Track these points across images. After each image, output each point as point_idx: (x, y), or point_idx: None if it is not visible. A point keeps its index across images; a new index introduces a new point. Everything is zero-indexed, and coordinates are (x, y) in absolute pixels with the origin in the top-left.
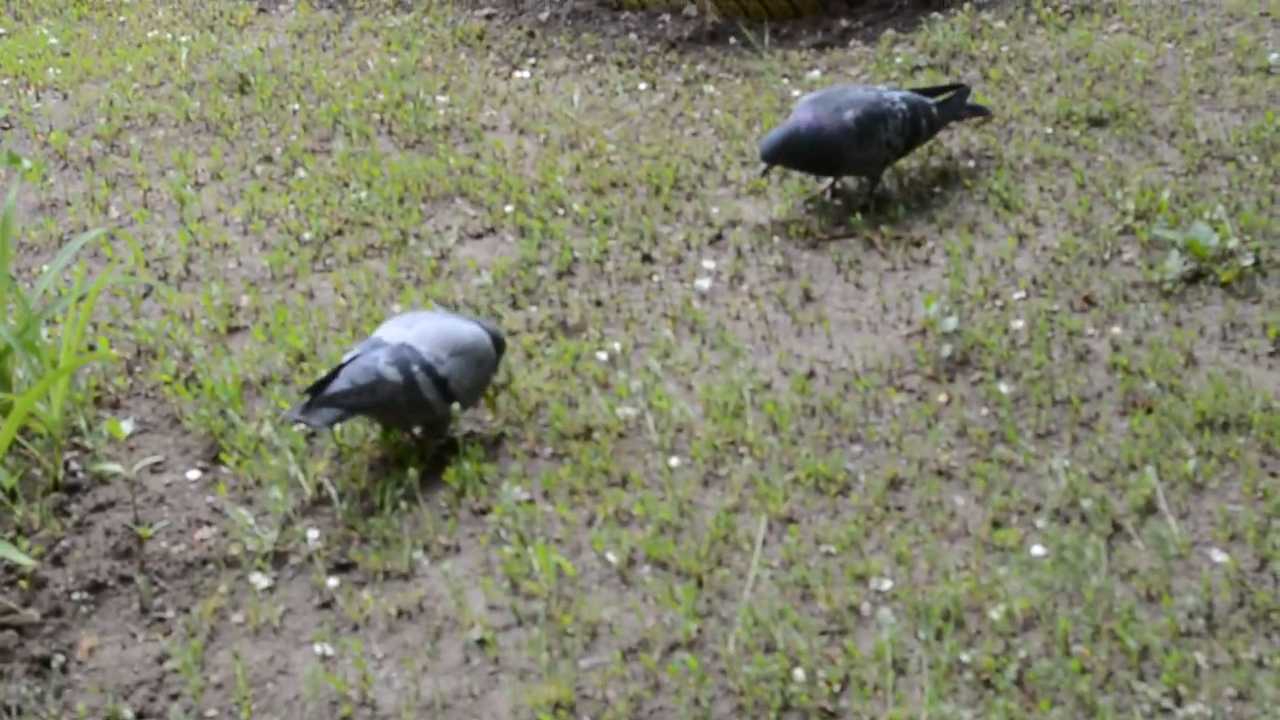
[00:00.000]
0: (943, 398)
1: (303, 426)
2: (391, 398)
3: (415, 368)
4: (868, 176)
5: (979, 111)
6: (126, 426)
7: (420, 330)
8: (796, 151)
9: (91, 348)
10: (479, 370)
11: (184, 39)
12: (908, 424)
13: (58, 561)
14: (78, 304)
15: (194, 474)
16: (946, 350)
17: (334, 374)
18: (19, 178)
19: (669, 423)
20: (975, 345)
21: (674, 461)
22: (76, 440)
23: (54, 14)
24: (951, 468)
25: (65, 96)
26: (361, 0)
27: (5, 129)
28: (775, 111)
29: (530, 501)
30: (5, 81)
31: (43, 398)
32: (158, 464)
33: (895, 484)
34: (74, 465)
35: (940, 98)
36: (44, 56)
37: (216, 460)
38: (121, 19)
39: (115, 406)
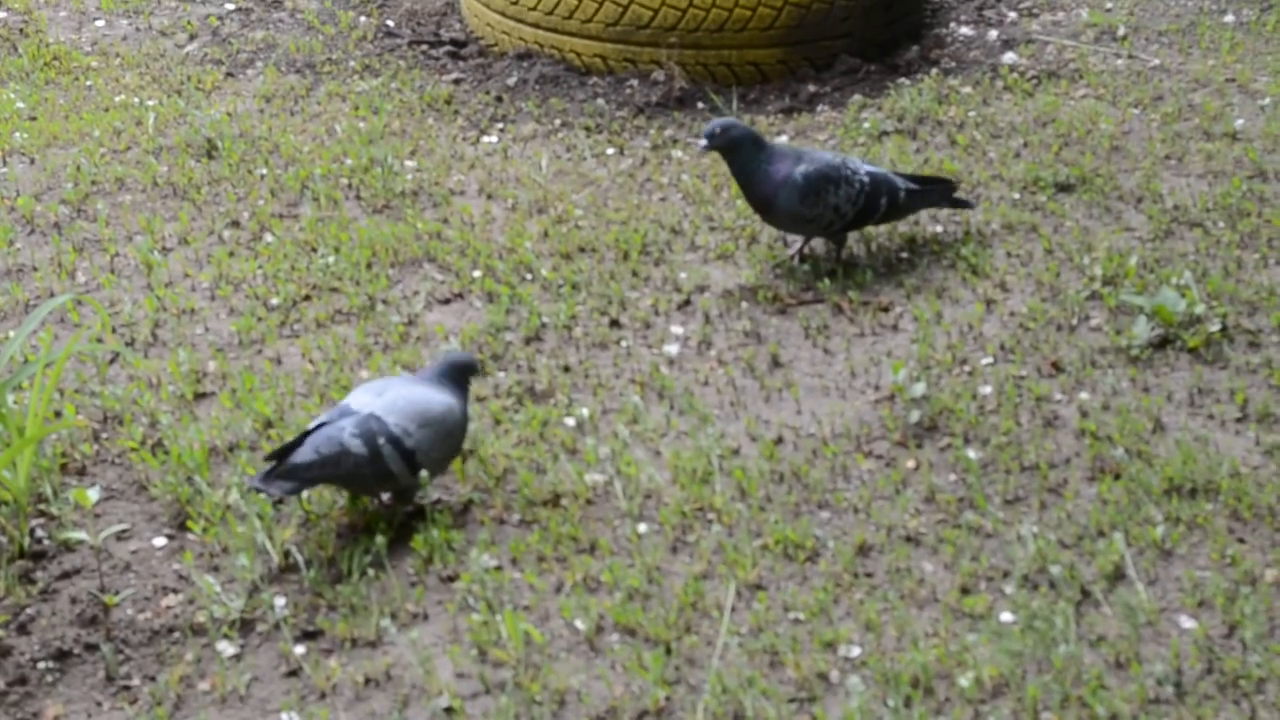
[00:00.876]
0: (911, 463)
1: (265, 495)
2: (355, 469)
3: (381, 440)
4: (830, 240)
5: (962, 205)
6: (93, 494)
7: (389, 399)
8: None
9: (58, 414)
10: (448, 441)
11: (151, 104)
12: (876, 490)
13: (23, 629)
14: (45, 371)
15: (160, 541)
16: (915, 416)
17: (299, 441)
18: None
19: (637, 489)
20: (943, 411)
21: (642, 528)
22: (42, 507)
23: (20, 78)
24: (920, 534)
25: (32, 161)
26: (329, 65)
27: None
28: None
29: (498, 568)
30: None
31: (9, 465)
32: (124, 531)
33: (864, 550)
34: (39, 532)
35: (919, 186)
36: (10, 121)
37: (183, 527)
38: (89, 84)
39: (81, 473)
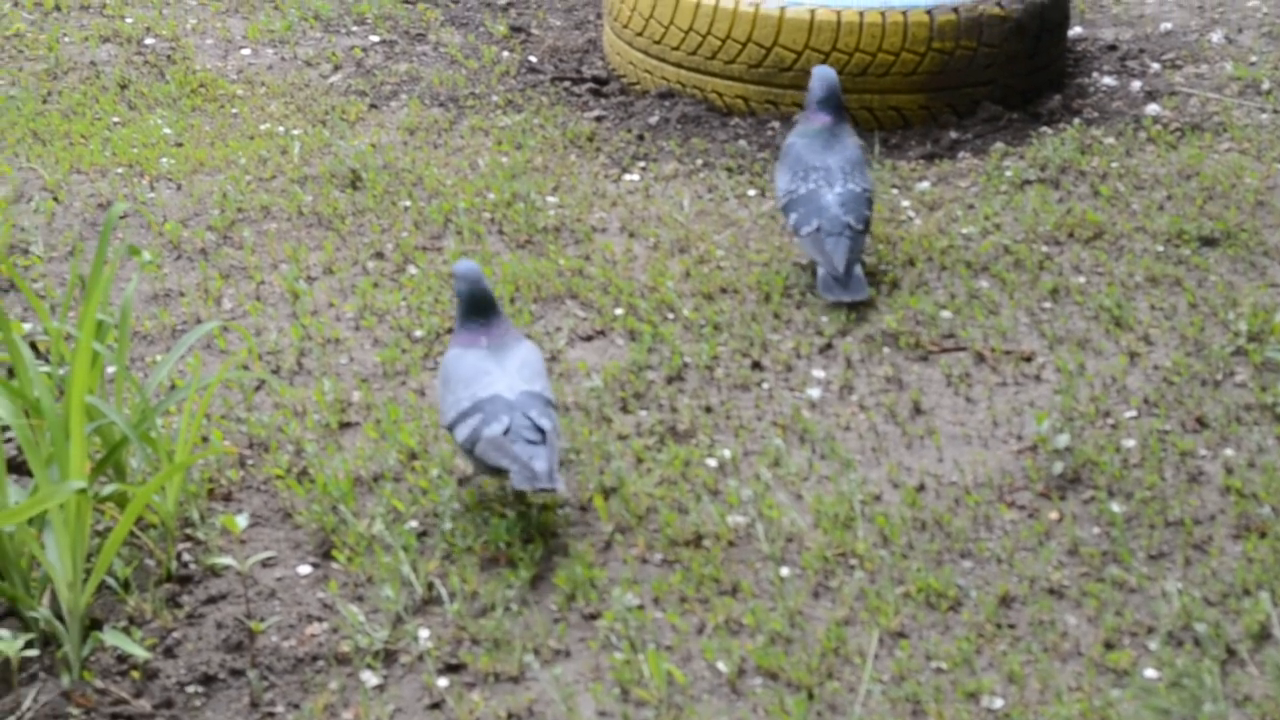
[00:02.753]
0: (1054, 515)
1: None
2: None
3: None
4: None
5: None
6: (242, 521)
7: (522, 369)
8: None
9: (205, 439)
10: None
11: (296, 133)
12: (1019, 541)
13: (169, 653)
14: (195, 396)
15: (305, 569)
16: (1058, 467)
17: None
18: (138, 269)
19: (779, 532)
20: (1087, 463)
21: (784, 571)
22: (189, 532)
23: (168, 104)
24: (1063, 586)
25: (179, 187)
26: (472, 100)
27: (120, 217)
28: (884, 221)
29: (641, 607)
30: (119, 170)
31: (158, 490)
32: (269, 558)
33: (1007, 601)
34: (186, 556)
35: None
36: (158, 146)
37: (328, 556)
38: (234, 111)
39: (228, 499)
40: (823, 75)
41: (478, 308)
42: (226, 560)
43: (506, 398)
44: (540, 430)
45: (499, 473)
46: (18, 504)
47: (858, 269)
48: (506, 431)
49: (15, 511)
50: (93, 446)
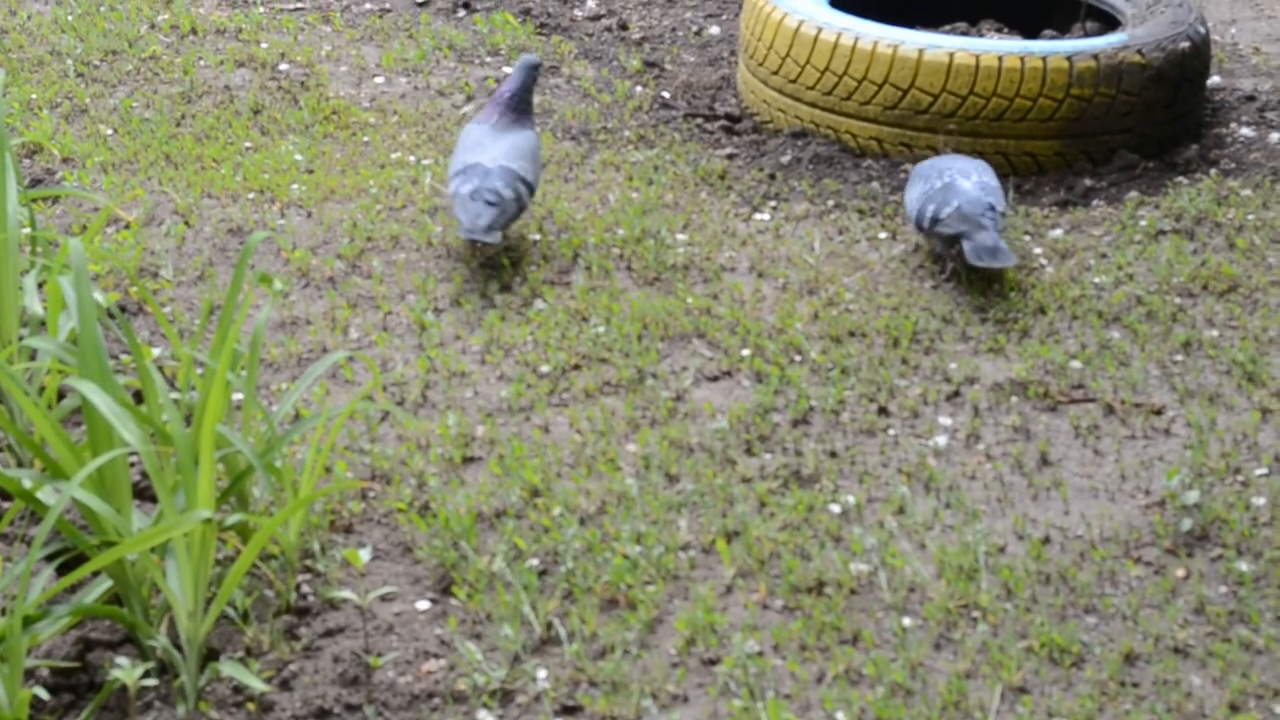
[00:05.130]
0: (1181, 572)
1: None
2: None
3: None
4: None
5: None
6: (365, 555)
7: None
8: None
9: (328, 470)
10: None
11: (427, 162)
12: (1144, 597)
13: (285, 685)
14: (322, 428)
15: (424, 604)
16: (1186, 524)
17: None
18: (270, 298)
19: (902, 581)
20: (1215, 520)
21: (906, 621)
22: (309, 563)
23: (300, 131)
24: (1189, 646)
25: (309, 214)
26: (604, 134)
27: None
28: (1017, 269)
29: (760, 654)
30: (251, 195)
31: (282, 523)
32: (388, 593)
33: (1131, 659)
34: (305, 588)
35: None
36: (289, 173)
37: (447, 592)
38: (365, 139)
39: (348, 531)
40: (523, 62)
41: (517, 94)
42: (346, 594)
43: (486, 166)
44: (499, 196)
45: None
46: (142, 530)
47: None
48: (473, 192)
49: (141, 538)
50: (217, 474)
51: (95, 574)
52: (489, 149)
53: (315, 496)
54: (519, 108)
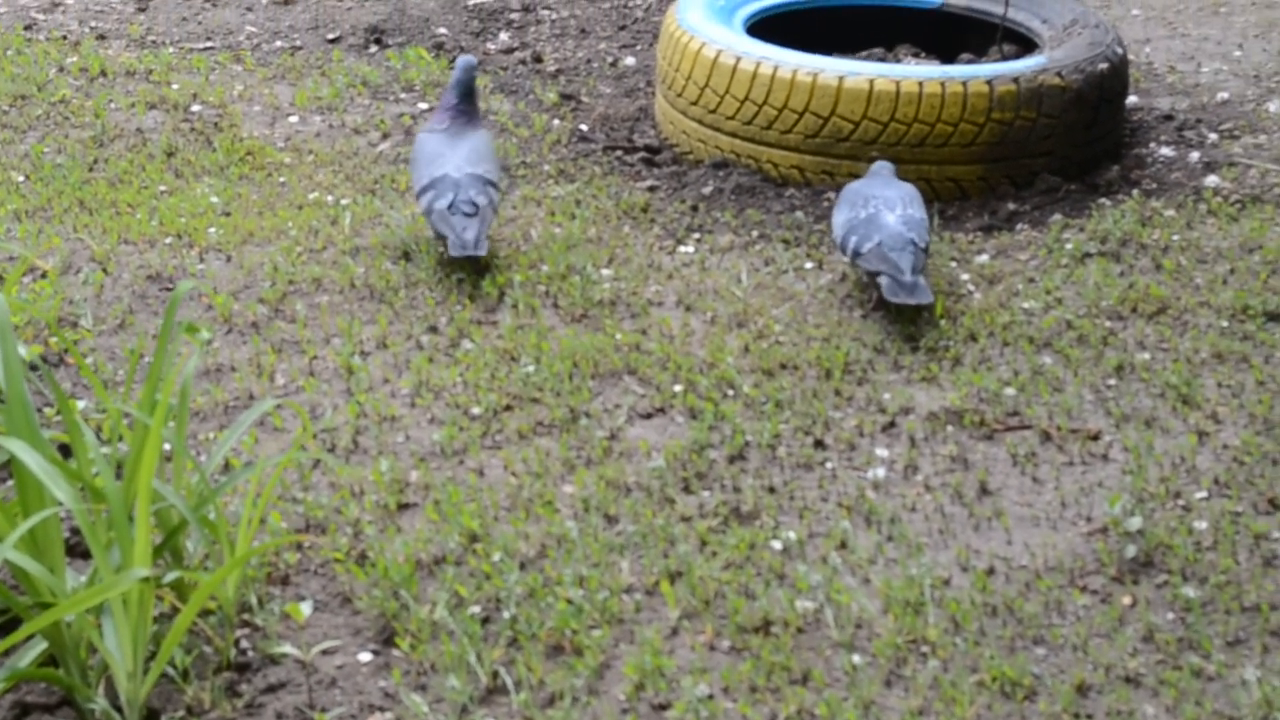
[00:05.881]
0: (1127, 600)
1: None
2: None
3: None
4: None
5: None
6: (306, 609)
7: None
8: None
9: (263, 521)
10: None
11: (346, 202)
12: (1093, 627)
13: None
14: (258, 484)
15: (366, 656)
16: (1130, 550)
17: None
18: (197, 350)
19: (849, 618)
20: (1159, 546)
21: (856, 659)
22: (246, 617)
23: (215, 173)
24: (1140, 675)
25: (229, 258)
26: (524, 169)
27: (169, 289)
28: (944, 294)
29: (711, 697)
30: (168, 240)
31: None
32: (330, 645)
33: (1083, 690)
34: (244, 643)
35: None
36: (205, 216)
37: (389, 642)
38: (282, 180)
39: (285, 582)
40: (461, 63)
41: (463, 96)
42: (286, 648)
43: (454, 177)
44: (475, 205)
45: (443, 238)
46: (77, 590)
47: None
48: (450, 206)
49: (78, 599)
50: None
51: (29, 635)
52: (450, 158)
53: (253, 553)
54: (467, 110)
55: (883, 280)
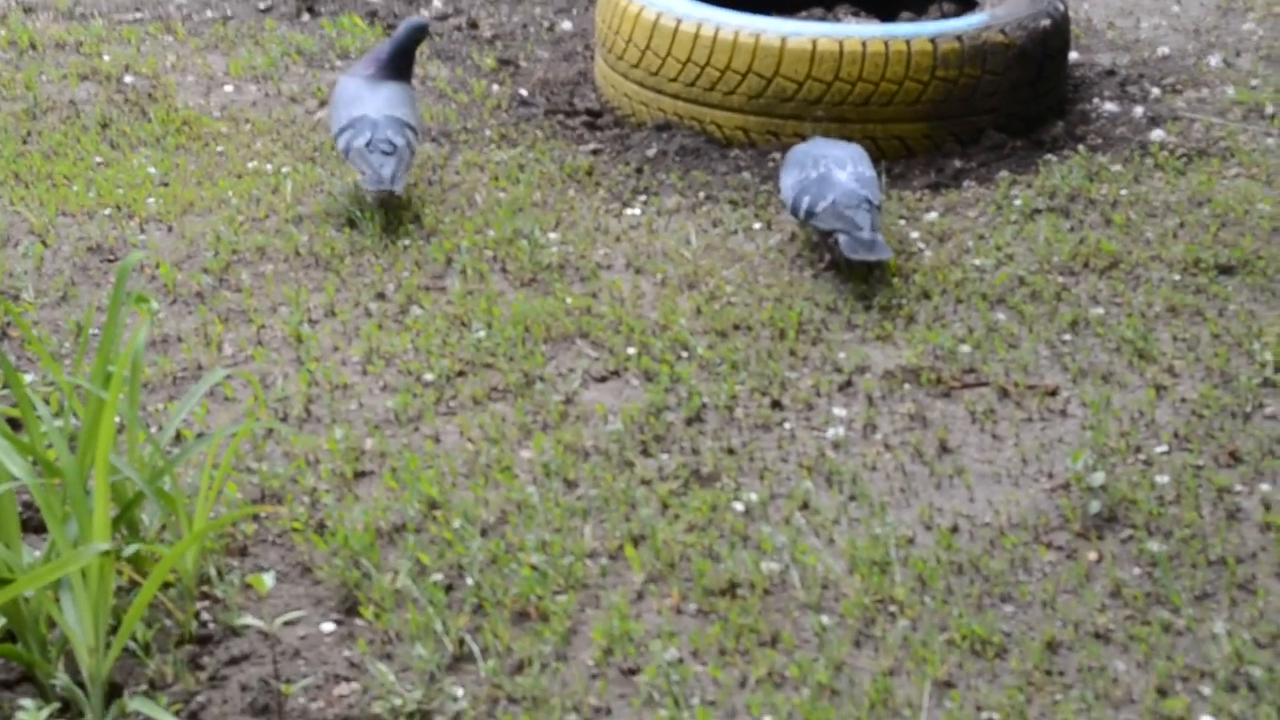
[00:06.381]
0: (1093, 555)
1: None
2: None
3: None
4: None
5: None
6: (268, 580)
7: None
8: None
9: (219, 493)
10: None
11: (286, 170)
12: (1060, 583)
13: (194, 718)
14: (213, 456)
15: (329, 626)
16: (1094, 506)
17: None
18: (146, 321)
19: (815, 579)
20: (1122, 501)
21: (824, 620)
22: (205, 589)
23: (151, 144)
24: (1109, 630)
25: (170, 229)
26: (465, 134)
27: (110, 260)
28: (894, 253)
29: (680, 661)
30: (106, 212)
31: (173, 547)
32: (294, 617)
33: (1053, 647)
34: (205, 615)
35: None
36: (144, 187)
37: (352, 612)
38: (220, 149)
39: (243, 554)
40: (407, 23)
41: (396, 54)
42: (253, 620)
43: (373, 117)
44: (393, 144)
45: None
46: (32, 564)
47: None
48: (368, 144)
49: (37, 575)
50: None
51: None
52: (369, 100)
53: (212, 527)
54: (398, 66)
55: (840, 238)
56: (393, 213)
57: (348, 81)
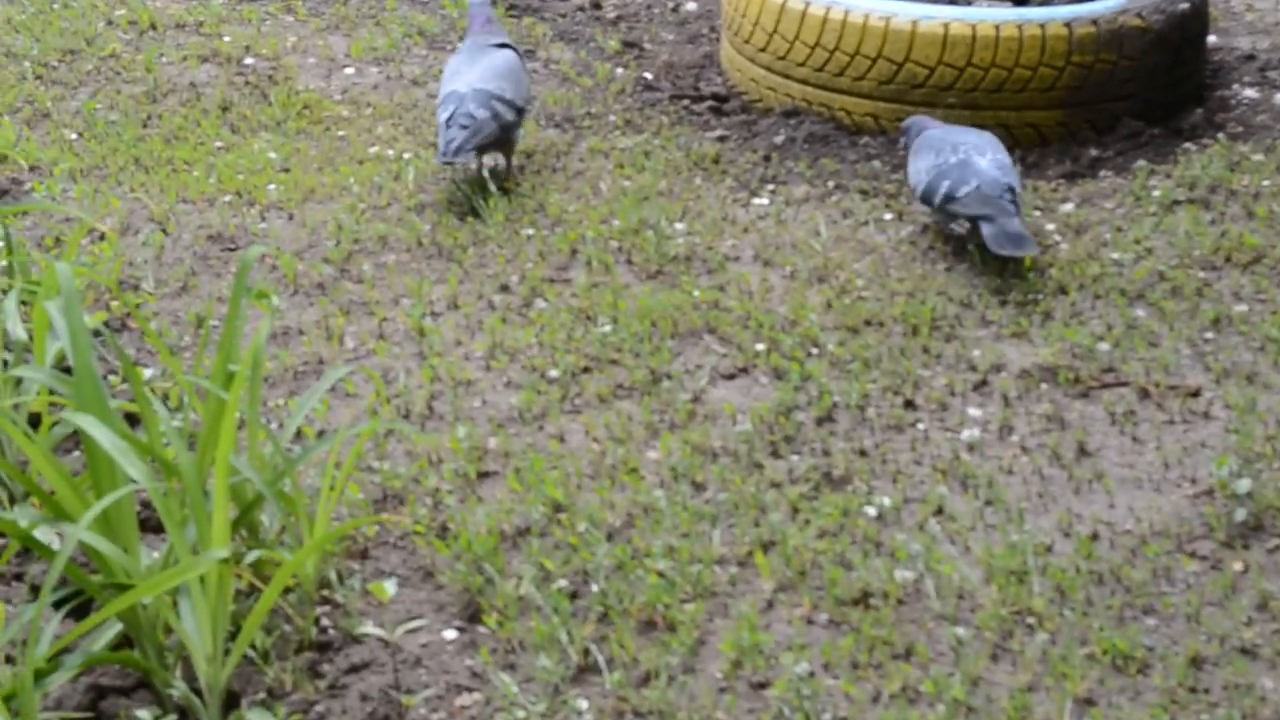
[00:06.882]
0: (1239, 566)
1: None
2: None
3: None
4: None
5: None
6: (390, 587)
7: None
8: None
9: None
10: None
11: (408, 156)
12: (1204, 595)
13: None
14: (335, 456)
15: (451, 634)
16: (1239, 514)
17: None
18: (268, 317)
19: (950, 589)
20: (1269, 509)
21: (960, 632)
22: (326, 594)
23: (271, 128)
24: (1256, 645)
25: (290, 217)
26: (589, 120)
27: (232, 249)
28: (1028, 256)
29: (811, 675)
30: (227, 199)
31: (294, 550)
32: (415, 625)
33: (1197, 663)
34: (325, 622)
35: None
36: (264, 173)
37: (474, 619)
38: (341, 134)
39: (364, 556)
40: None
41: (482, 21)
42: (369, 627)
43: (460, 91)
44: (473, 117)
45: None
46: (152, 569)
47: None
48: (449, 119)
49: (155, 582)
50: None
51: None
52: (465, 74)
53: (334, 535)
54: (490, 30)
55: (984, 229)
56: (516, 200)
57: (452, 59)
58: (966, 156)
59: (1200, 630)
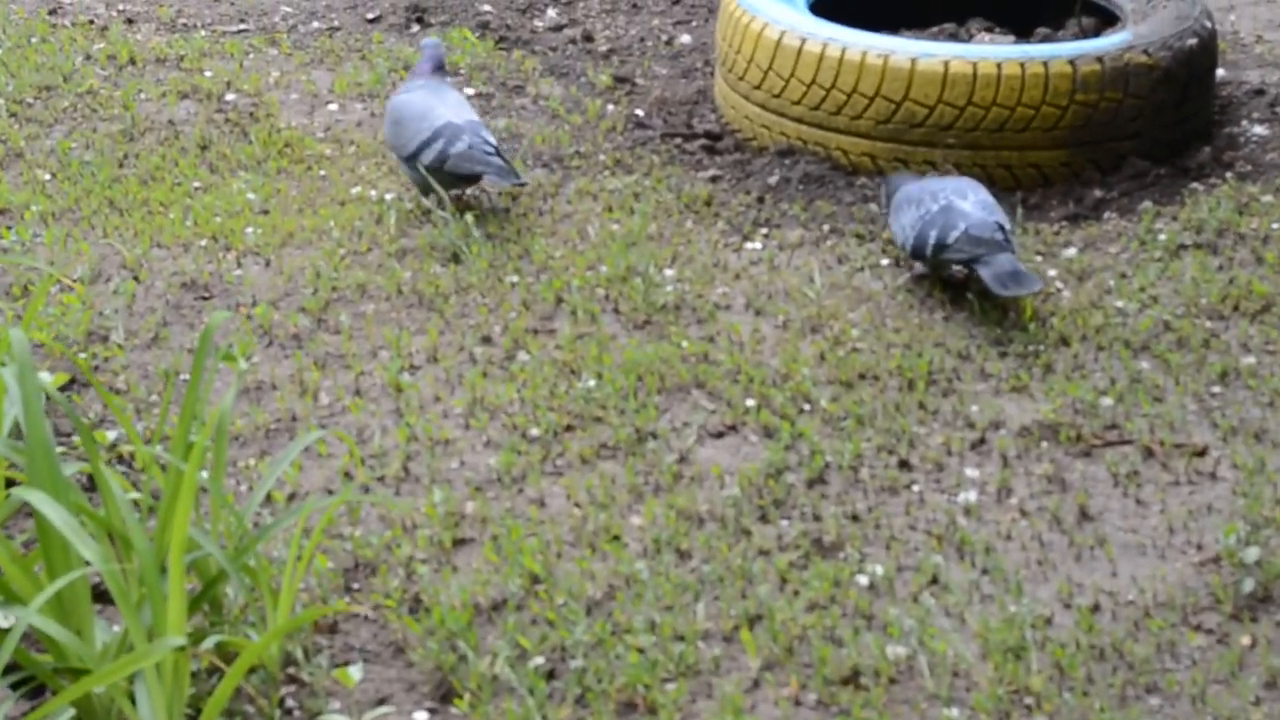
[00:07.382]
0: (1246, 640)
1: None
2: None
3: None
4: None
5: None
6: (355, 673)
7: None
8: None
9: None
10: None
11: (390, 197)
12: (1210, 672)
13: None
14: (304, 523)
15: (421, 715)
16: (1247, 585)
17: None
18: (235, 381)
19: (944, 666)
20: (1278, 578)
21: (954, 713)
22: (291, 671)
23: (252, 167)
24: None
25: (267, 263)
26: (578, 159)
27: (205, 298)
28: (1032, 295)
29: None
30: (203, 243)
31: (258, 627)
32: (383, 703)
33: None
34: (290, 702)
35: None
36: (242, 215)
37: (446, 699)
38: (322, 173)
39: (333, 630)
40: (429, 43)
41: (435, 69)
42: (337, 713)
43: (457, 123)
44: (492, 145)
45: (468, 180)
46: (107, 644)
47: None
48: (471, 147)
49: (108, 671)
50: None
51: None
52: (443, 109)
53: (299, 621)
54: (442, 75)
55: (983, 271)
56: (500, 246)
57: (407, 98)
58: (949, 202)
59: (1206, 711)
